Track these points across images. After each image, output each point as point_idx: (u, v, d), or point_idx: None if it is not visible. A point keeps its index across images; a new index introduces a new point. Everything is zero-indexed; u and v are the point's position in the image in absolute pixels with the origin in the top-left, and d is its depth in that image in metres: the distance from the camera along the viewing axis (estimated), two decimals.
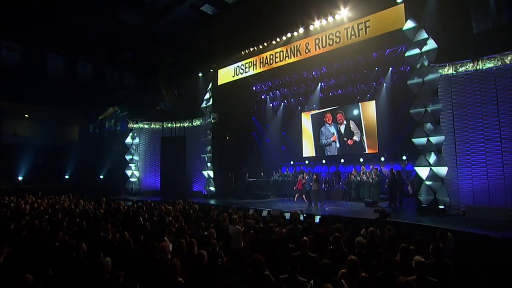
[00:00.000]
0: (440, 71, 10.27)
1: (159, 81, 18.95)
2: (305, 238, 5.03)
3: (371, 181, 13.58)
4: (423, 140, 10.25)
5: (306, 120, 19.38)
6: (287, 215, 10.15)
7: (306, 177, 13.54)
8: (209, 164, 18.09)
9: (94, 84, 19.76)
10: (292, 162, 19.66)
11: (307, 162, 19.05)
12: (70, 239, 5.43)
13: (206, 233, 6.60)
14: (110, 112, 21.32)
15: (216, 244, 5.70)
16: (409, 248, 4.73)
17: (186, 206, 11.26)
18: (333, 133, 18.16)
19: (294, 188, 14.60)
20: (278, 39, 14.89)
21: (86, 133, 24.26)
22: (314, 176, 13.18)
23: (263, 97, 20.42)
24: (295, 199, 14.14)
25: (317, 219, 9.36)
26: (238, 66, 16.91)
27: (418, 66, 10.46)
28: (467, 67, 9.90)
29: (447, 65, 10.21)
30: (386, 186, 12.82)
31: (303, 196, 14.07)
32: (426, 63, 10.30)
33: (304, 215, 9.65)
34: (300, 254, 4.85)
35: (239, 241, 6.95)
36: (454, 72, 10.12)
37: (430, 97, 10.17)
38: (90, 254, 4.87)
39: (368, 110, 16.65)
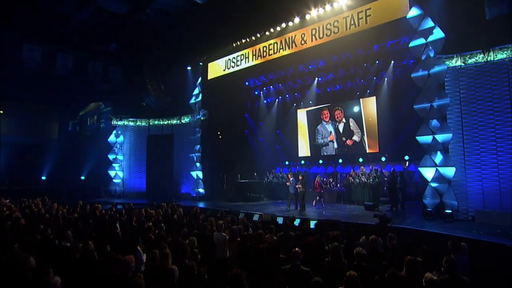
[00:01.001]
0: (448, 62, 9.90)
1: (145, 75, 18.38)
2: (297, 249, 4.53)
3: (371, 182, 13.23)
4: (428, 138, 9.91)
5: (302, 118, 19.04)
6: (280, 220, 9.69)
7: (291, 179, 13.08)
8: (198, 164, 17.71)
9: (75, 78, 18.99)
10: (287, 162, 19.39)
11: (303, 162, 18.79)
12: (22, 251, 4.83)
13: (187, 241, 6.16)
14: (91, 108, 20.69)
15: (197, 254, 5.27)
16: (416, 261, 4.23)
17: (169, 210, 10.81)
18: (331, 132, 17.79)
19: (310, 190, 13.95)
20: (272, 30, 14.53)
21: (66, 131, 23.60)
22: (300, 177, 12.75)
23: (256, 93, 20.06)
24: (314, 204, 13.28)
25: (312, 224, 8.88)
26: (229, 59, 16.54)
27: (423, 57, 10.10)
28: (477, 58, 9.53)
29: (455, 56, 9.85)
30: (385, 188, 12.45)
31: (322, 200, 13.32)
32: (432, 54, 9.91)
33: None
34: (291, 268, 4.37)
35: (224, 250, 6.49)
36: (463, 64, 9.76)
37: (436, 91, 9.80)
38: (42, 269, 4.26)
39: (368, 107, 16.33)
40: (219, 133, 18.45)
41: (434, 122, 9.83)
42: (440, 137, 9.66)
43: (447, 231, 7.96)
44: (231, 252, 6.32)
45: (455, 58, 9.86)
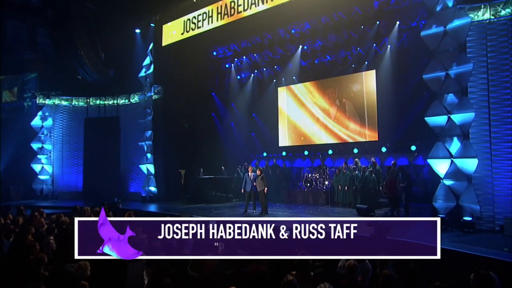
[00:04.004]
0: (472, 15, 8.90)
1: (75, 38, 17.02)
2: None
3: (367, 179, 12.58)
4: (441, 120, 9.05)
5: (283, 97, 18.54)
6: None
7: (251, 174, 12.41)
8: (149, 156, 17.18)
9: None
10: (265, 154, 18.92)
11: (284, 153, 18.41)
12: None
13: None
14: (3, 78, 19.03)
15: None
16: None
17: (92, 216, 9.32)
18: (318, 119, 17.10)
19: (384, 193, 11.90)
20: None
21: None
22: (258, 172, 12.11)
23: (226, 66, 19.34)
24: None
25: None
26: (189, 19, 15.69)
27: (438, 8, 9.10)
28: None
29: (482, 5, 8.85)
30: (381, 186, 11.68)
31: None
32: (450, 4, 8.87)
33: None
34: None
35: (139, 281, 5.15)
36: (493, 17, 8.75)
37: (455, 54, 8.85)
38: None
39: (367, 83, 15.62)
40: (185, 121, 18.00)
41: (450, 97, 8.95)
42: (457, 118, 8.74)
43: (466, 248, 6.95)
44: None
45: (482, 9, 8.86)
